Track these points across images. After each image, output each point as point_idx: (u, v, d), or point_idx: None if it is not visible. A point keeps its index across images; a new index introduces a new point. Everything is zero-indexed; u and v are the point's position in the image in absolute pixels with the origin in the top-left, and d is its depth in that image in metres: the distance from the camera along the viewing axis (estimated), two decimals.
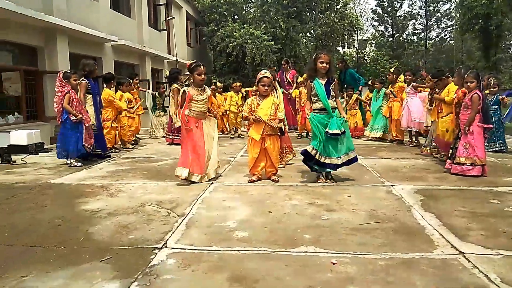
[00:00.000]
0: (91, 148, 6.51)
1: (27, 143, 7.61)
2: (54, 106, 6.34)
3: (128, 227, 3.44)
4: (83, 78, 6.67)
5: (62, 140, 6.32)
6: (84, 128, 6.35)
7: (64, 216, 3.78)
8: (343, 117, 5.01)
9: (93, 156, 6.76)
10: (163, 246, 3.01)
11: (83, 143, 6.30)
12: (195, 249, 2.96)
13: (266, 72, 5.17)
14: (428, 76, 8.06)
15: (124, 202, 4.22)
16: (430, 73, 8.29)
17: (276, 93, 5.53)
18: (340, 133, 4.80)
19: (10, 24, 8.80)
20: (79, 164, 6.29)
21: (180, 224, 3.52)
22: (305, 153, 5.02)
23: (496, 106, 7.70)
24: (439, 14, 39.04)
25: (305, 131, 9.91)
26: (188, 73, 5.32)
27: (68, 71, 6.55)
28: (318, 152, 4.92)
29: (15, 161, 6.67)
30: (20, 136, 7.65)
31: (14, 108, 9.73)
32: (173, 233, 3.29)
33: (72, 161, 6.28)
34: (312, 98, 5.03)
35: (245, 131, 10.18)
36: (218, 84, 11.97)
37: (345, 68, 11.21)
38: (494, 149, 7.49)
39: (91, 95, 6.84)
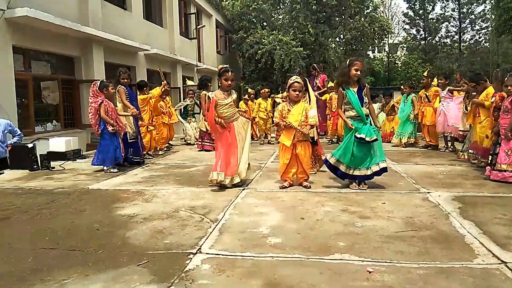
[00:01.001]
0: (122, 159, 6.67)
1: (65, 149, 7.87)
2: (90, 116, 6.49)
3: (163, 232, 3.51)
4: (120, 85, 6.86)
5: (102, 149, 6.47)
6: (120, 137, 6.51)
7: (102, 221, 3.89)
8: (377, 126, 4.93)
9: (128, 163, 6.93)
10: (198, 251, 3.04)
11: (120, 154, 6.45)
12: (229, 255, 2.98)
13: (297, 78, 5.17)
14: (462, 79, 7.83)
15: (159, 207, 4.30)
16: (465, 76, 8.05)
17: (309, 98, 5.51)
18: (368, 140, 4.72)
19: (49, 35, 9.18)
20: (115, 170, 6.46)
21: (213, 229, 3.55)
22: (327, 163, 5.04)
23: None
24: (473, 16, 37.92)
25: (336, 137, 9.81)
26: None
27: (105, 81, 6.74)
28: (345, 165, 4.87)
29: (54, 167, 6.92)
30: (58, 143, 7.93)
31: (53, 116, 10.12)
32: (207, 238, 3.32)
33: (108, 167, 6.45)
34: (345, 106, 4.99)
35: (274, 137, 10.19)
36: (250, 90, 12.05)
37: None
38: None
39: (128, 103, 7.00)
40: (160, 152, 8.72)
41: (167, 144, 9.36)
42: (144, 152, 7.88)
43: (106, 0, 11.42)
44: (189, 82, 12.23)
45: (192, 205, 4.38)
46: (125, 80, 6.99)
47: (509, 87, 5.23)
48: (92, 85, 6.53)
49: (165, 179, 5.93)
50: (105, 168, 6.48)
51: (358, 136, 4.74)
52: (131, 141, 6.90)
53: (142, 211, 4.17)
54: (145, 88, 8.29)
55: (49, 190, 5.29)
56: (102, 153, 6.44)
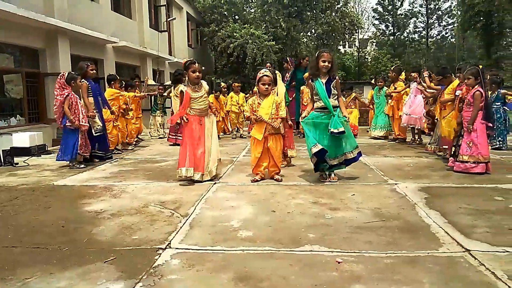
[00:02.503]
0: (87, 154, 6.48)
1: (29, 145, 7.61)
2: (54, 109, 6.29)
3: (131, 227, 3.43)
4: (82, 80, 6.63)
5: (63, 143, 6.32)
6: (79, 134, 6.28)
7: (68, 217, 3.77)
8: (345, 116, 4.98)
9: (95, 158, 6.75)
10: (167, 247, 2.99)
11: (78, 151, 6.25)
12: (199, 249, 2.95)
13: (266, 71, 5.15)
14: (429, 75, 8.03)
15: (127, 203, 4.21)
16: (432, 71, 8.25)
17: (278, 91, 5.50)
18: (335, 131, 4.76)
19: (12, 26, 8.80)
20: (82, 165, 6.29)
21: (183, 224, 3.50)
22: (318, 154, 4.89)
23: (499, 103, 7.65)
24: (440, 12, 39.04)
25: None
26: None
27: (72, 72, 6.52)
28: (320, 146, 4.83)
29: (17, 163, 6.67)
30: (22, 138, 7.66)
31: (16, 111, 9.74)
32: (177, 233, 3.28)
33: (74, 162, 6.27)
34: (314, 97, 5.02)
35: (246, 131, 10.18)
36: (222, 84, 11.99)
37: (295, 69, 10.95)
38: (494, 147, 7.44)
39: (92, 97, 6.78)
40: (130, 147, 8.55)
41: (136, 139, 9.19)
42: (112, 147, 7.70)
43: None
44: (149, 81, 11.90)
45: (162, 200, 4.31)
46: (93, 71, 6.79)
47: (465, 80, 5.42)
48: (59, 77, 6.30)
49: (134, 174, 5.82)
50: (70, 163, 6.29)
51: (336, 131, 4.76)
52: (96, 134, 6.68)
53: (109, 207, 4.08)
54: (112, 82, 8.10)
55: (12, 187, 5.10)
56: (64, 147, 6.27)
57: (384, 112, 9.35)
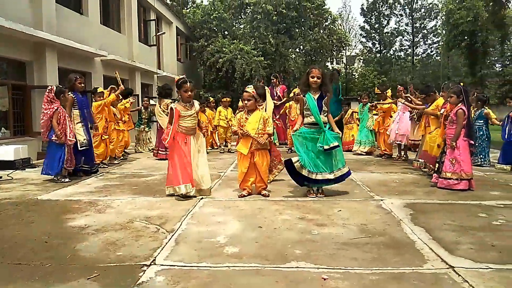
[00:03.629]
0: (71, 168, 6.42)
1: (13, 158, 7.50)
2: (41, 122, 6.21)
3: (116, 243, 3.39)
4: (70, 93, 6.59)
5: (49, 157, 6.24)
6: (66, 148, 6.23)
7: (51, 232, 3.71)
8: (337, 132, 5.03)
9: (80, 172, 6.67)
10: (152, 263, 2.96)
11: (63, 165, 6.18)
12: (184, 266, 2.92)
13: (248, 87, 5.21)
14: (414, 92, 8.19)
15: (112, 218, 4.16)
16: (418, 88, 8.40)
17: (266, 106, 5.54)
18: (326, 148, 4.81)
19: None
20: (67, 179, 6.21)
21: (169, 240, 3.47)
22: (289, 164, 4.96)
23: (481, 121, 7.80)
24: (425, 31, 39.92)
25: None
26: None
27: (61, 86, 6.48)
28: (307, 169, 4.89)
29: (1, 177, 6.56)
30: (6, 152, 7.55)
31: (1, 124, 9.61)
32: (162, 249, 3.24)
33: (59, 177, 6.19)
34: (304, 112, 5.07)
35: (234, 145, 10.18)
36: (211, 99, 12.03)
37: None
38: (476, 164, 7.55)
39: (78, 110, 6.73)
40: (116, 161, 8.47)
41: (123, 153, 9.11)
42: (98, 161, 7.62)
43: (61, 4, 11.03)
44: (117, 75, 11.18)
45: (148, 215, 4.27)
46: (82, 85, 6.76)
47: (448, 98, 5.55)
48: (47, 91, 6.24)
49: (120, 188, 5.76)
50: (55, 177, 6.21)
51: (327, 147, 4.82)
52: (82, 149, 6.61)
53: (94, 222, 4.02)
54: (93, 95, 8.07)
55: None
56: (49, 161, 6.20)
57: (366, 128, 9.48)
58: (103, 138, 7.75)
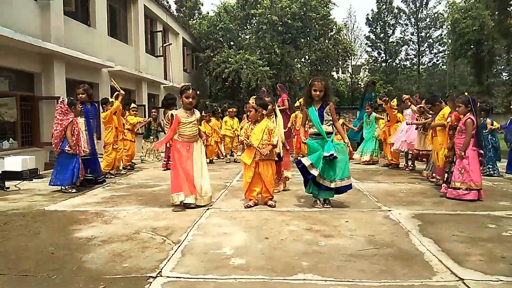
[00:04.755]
0: (82, 178, 6.46)
1: (21, 169, 7.54)
2: (54, 132, 6.22)
3: (122, 255, 3.38)
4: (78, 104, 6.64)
5: (60, 167, 6.24)
6: (79, 160, 6.29)
7: (58, 243, 3.71)
8: (345, 142, 5.02)
9: (87, 182, 6.69)
10: (158, 275, 2.94)
11: (78, 175, 6.23)
12: (190, 278, 2.90)
13: (252, 98, 5.26)
14: (421, 101, 8.16)
15: (119, 229, 4.15)
16: (424, 97, 8.37)
17: (275, 118, 5.55)
18: (326, 155, 4.78)
19: (8, 50, 8.88)
20: (74, 190, 6.23)
21: (175, 251, 3.46)
22: (302, 166, 4.92)
23: (486, 131, 7.75)
24: (431, 40, 39.92)
25: (301, 155, 9.90)
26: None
27: (72, 98, 6.53)
28: (318, 171, 4.83)
29: (8, 188, 6.59)
30: (14, 162, 7.59)
31: (9, 134, 9.71)
32: (168, 261, 3.23)
33: (66, 187, 6.21)
34: (309, 123, 5.09)
35: (240, 155, 10.18)
36: (219, 109, 12.07)
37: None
38: (485, 173, 7.49)
39: (83, 119, 6.77)
40: (123, 171, 8.50)
41: (129, 163, 9.14)
42: (107, 169, 7.66)
43: (69, 16, 11.20)
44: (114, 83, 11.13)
45: (154, 226, 4.26)
46: (81, 96, 6.75)
47: (456, 108, 5.51)
48: (60, 102, 6.30)
49: (126, 199, 5.76)
50: (63, 188, 6.23)
51: (328, 154, 4.80)
52: (83, 158, 6.62)
53: (100, 233, 4.02)
54: (104, 105, 8.12)
55: (2, 212, 5.02)
56: (61, 172, 6.21)
57: (374, 137, 9.44)
58: (114, 147, 7.79)
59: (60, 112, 6.24)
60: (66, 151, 6.16)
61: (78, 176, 6.28)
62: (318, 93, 4.95)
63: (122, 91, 8.06)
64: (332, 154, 4.81)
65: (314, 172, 4.85)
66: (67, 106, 6.24)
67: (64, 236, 3.96)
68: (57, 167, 6.29)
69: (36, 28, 9.80)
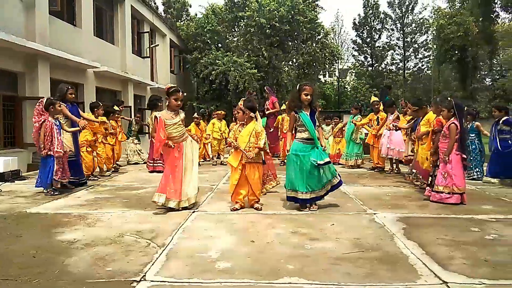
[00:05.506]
0: (65, 180, 6.33)
1: (3, 170, 7.38)
2: (33, 136, 6.17)
3: (105, 258, 3.33)
4: (60, 102, 6.53)
5: (40, 169, 6.17)
6: (55, 161, 6.12)
7: (40, 247, 3.64)
8: (323, 146, 5.06)
9: (71, 184, 6.57)
10: (142, 279, 2.91)
11: (53, 177, 6.09)
12: (175, 282, 2.87)
13: (241, 100, 5.29)
14: (407, 104, 8.23)
15: (102, 232, 4.09)
16: (409, 101, 8.45)
17: (257, 120, 5.53)
18: (321, 163, 4.85)
19: None
20: (57, 192, 6.12)
21: (160, 255, 3.42)
22: (290, 199, 5.08)
23: (473, 135, 7.85)
24: (416, 45, 40.45)
25: None
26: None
27: (52, 98, 6.43)
28: (301, 192, 4.94)
29: None
30: None
31: None
32: (152, 264, 3.19)
33: (48, 189, 6.10)
34: (298, 128, 5.07)
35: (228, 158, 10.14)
36: (222, 112, 11.79)
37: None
38: (472, 177, 7.60)
39: (69, 120, 6.67)
40: (107, 173, 8.38)
41: (114, 165, 9.02)
42: (88, 173, 7.53)
43: (55, 16, 11.05)
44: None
45: (138, 229, 4.21)
46: (73, 96, 6.73)
47: (440, 112, 5.59)
48: (37, 104, 6.19)
49: (110, 201, 5.69)
50: (45, 190, 6.12)
51: (322, 162, 4.86)
52: (69, 159, 6.50)
53: (83, 236, 3.96)
54: (96, 109, 8.00)
55: None
56: (40, 175, 6.13)
57: (352, 140, 9.51)
58: (87, 150, 7.65)
59: (35, 114, 6.15)
60: (39, 152, 6.07)
61: (52, 178, 6.11)
62: (309, 97, 4.97)
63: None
64: (329, 162, 4.90)
65: (300, 195, 4.97)
66: (42, 107, 6.11)
67: (46, 239, 3.89)
68: (39, 170, 6.21)
69: (21, 27, 9.65)
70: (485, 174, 7.66)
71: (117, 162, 9.28)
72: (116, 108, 9.44)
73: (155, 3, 29.33)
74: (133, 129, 10.91)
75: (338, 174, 5.13)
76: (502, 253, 3.48)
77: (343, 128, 10.50)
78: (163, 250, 3.55)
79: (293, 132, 5.13)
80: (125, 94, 15.52)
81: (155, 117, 5.01)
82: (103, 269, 3.10)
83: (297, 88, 5.12)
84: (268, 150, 5.81)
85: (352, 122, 9.49)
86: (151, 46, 18.38)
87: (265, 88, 11.32)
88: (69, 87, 6.79)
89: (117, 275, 2.97)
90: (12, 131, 9.89)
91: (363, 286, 2.79)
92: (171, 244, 3.72)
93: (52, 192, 6.08)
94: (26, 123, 9.87)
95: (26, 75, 9.99)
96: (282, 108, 10.42)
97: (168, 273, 3.02)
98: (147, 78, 17.71)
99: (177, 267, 3.14)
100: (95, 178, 7.72)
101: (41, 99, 6.32)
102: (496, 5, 26.89)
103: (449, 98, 5.81)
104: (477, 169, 7.77)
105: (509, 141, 7.18)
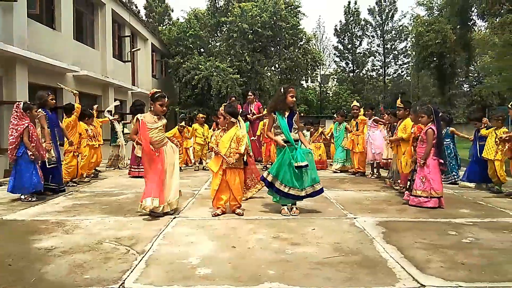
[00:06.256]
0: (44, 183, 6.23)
1: None
2: (10, 139, 5.95)
3: (83, 266, 3.27)
4: (40, 110, 6.42)
5: (17, 175, 5.95)
6: (38, 164, 6.06)
7: (16, 254, 3.55)
8: (309, 148, 5.09)
9: (47, 191, 6.44)
10: (120, 286, 2.86)
11: (40, 181, 5.98)
12: None
13: (223, 105, 5.28)
14: (384, 112, 8.41)
15: (80, 239, 4.02)
16: (388, 108, 8.59)
17: (240, 126, 5.52)
18: (302, 165, 4.87)
19: None
20: (34, 198, 5.99)
21: (139, 262, 3.38)
22: (263, 179, 5.16)
23: (448, 140, 8.02)
24: (396, 52, 41.23)
25: (270, 163, 9.93)
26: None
27: (29, 102, 6.31)
28: (279, 181, 4.93)
29: None
30: None
31: None
32: (131, 271, 3.15)
33: (26, 195, 5.97)
34: (275, 130, 5.10)
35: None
36: (201, 115, 11.64)
37: None
38: (450, 181, 7.76)
39: (49, 128, 6.54)
40: (86, 179, 8.24)
41: (93, 170, 8.88)
42: (68, 179, 7.40)
43: (33, 19, 10.86)
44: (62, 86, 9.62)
45: (118, 236, 4.15)
46: (53, 101, 6.64)
47: (419, 118, 5.70)
48: (15, 106, 6.05)
49: (89, 208, 5.59)
50: (22, 196, 5.98)
51: (298, 165, 4.87)
52: (50, 166, 6.43)
53: (61, 243, 3.88)
54: (72, 112, 7.84)
55: None
56: (18, 180, 5.93)
57: (341, 146, 9.62)
58: (75, 154, 7.55)
59: (15, 116, 5.99)
60: (30, 157, 5.91)
61: (41, 183, 6.02)
62: (294, 99, 5.03)
63: (75, 91, 7.90)
64: (307, 165, 4.90)
65: (277, 184, 4.96)
66: (21, 110, 5.99)
67: (22, 247, 3.80)
68: (14, 175, 5.99)
69: None
70: (461, 178, 7.83)
71: (96, 168, 9.13)
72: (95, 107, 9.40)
73: (136, 7, 29.16)
74: (117, 131, 10.72)
75: (319, 182, 5.16)
76: (478, 256, 3.55)
77: (324, 134, 10.61)
78: (143, 256, 3.50)
79: (272, 132, 5.17)
80: (105, 99, 15.32)
81: (137, 119, 4.95)
82: (81, 276, 3.05)
83: (282, 90, 5.12)
84: (251, 154, 5.82)
85: (349, 130, 9.43)
86: (132, 50, 18.24)
87: (253, 92, 11.35)
88: (49, 93, 6.70)
89: (95, 283, 2.92)
90: None
91: None
92: (151, 250, 3.68)
93: (30, 199, 5.95)
94: (3, 128, 9.65)
95: (3, 79, 9.78)
96: (265, 112, 10.44)
97: (148, 280, 2.98)
98: (128, 82, 17.54)
99: (156, 274, 3.11)
100: (74, 184, 7.58)
101: (17, 103, 6.17)
102: (473, 14, 27.69)
103: (428, 104, 5.92)
104: (453, 173, 7.94)
105: None
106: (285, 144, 4.96)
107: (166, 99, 5.04)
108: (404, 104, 6.94)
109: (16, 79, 9.86)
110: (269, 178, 5.01)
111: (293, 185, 4.94)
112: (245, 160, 5.35)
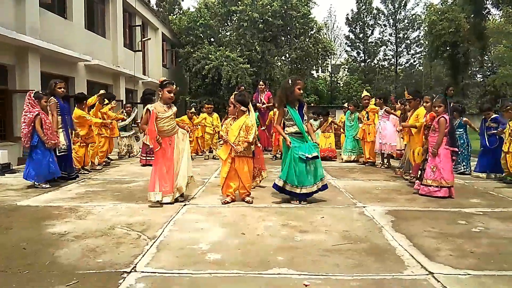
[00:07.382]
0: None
1: None
2: (22, 127, 6.05)
3: (96, 250, 3.34)
4: (51, 97, 6.50)
5: (35, 163, 6.03)
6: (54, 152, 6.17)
7: (30, 239, 3.64)
8: (315, 142, 5.09)
9: (60, 178, 6.54)
10: (132, 270, 2.93)
11: (56, 168, 6.10)
12: (165, 273, 2.89)
13: (232, 95, 5.28)
14: (395, 103, 8.34)
15: (93, 225, 4.10)
16: (400, 98, 8.51)
17: (249, 114, 5.53)
18: (309, 157, 4.88)
19: None
20: (47, 185, 6.10)
21: (150, 247, 3.44)
22: (276, 187, 5.11)
23: (461, 130, 7.96)
24: (408, 41, 40.60)
25: (279, 153, 9.94)
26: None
27: (40, 92, 6.39)
28: (290, 184, 4.96)
29: None
30: None
31: None
32: (143, 256, 3.21)
33: (40, 182, 6.08)
34: (287, 122, 5.11)
35: None
36: (207, 105, 11.68)
37: None
38: (459, 171, 7.71)
39: (60, 116, 6.63)
40: (98, 167, 8.35)
41: (105, 159, 8.99)
42: (79, 166, 7.51)
43: (45, 9, 10.94)
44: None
45: (129, 222, 4.22)
46: (62, 90, 6.68)
47: (436, 108, 5.63)
48: (28, 95, 6.14)
49: (101, 195, 5.68)
50: (36, 183, 6.09)
51: (311, 156, 4.88)
52: (60, 154, 6.51)
53: (74, 228, 3.96)
54: (84, 101, 7.91)
55: None
56: (34, 168, 6.03)
57: (353, 136, 9.57)
58: (81, 144, 7.63)
59: (27, 104, 6.08)
60: (45, 144, 6.01)
61: (58, 170, 6.14)
62: (301, 91, 5.03)
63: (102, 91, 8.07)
64: (317, 156, 4.92)
65: (287, 187, 4.99)
66: (33, 98, 6.08)
67: (36, 232, 3.89)
68: (29, 162, 6.10)
69: (11, 19, 9.54)
70: (473, 169, 7.77)
71: (108, 156, 9.24)
72: (114, 102, 9.45)
73: None
74: (127, 123, 10.76)
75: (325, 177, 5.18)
76: (487, 245, 3.55)
77: (334, 123, 10.55)
78: (154, 242, 3.57)
79: (281, 126, 5.17)
80: (116, 88, 15.45)
81: (148, 109, 4.98)
82: (93, 260, 3.12)
83: (290, 82, 5.10)
84: (259, 144, 5.82)
85: (363, 120, 9.35)
86: (143, 39, 18.28)
87: (262, 81, 11.33)
88: (58, 82, 6.71)
89: (107, 266, 2.99)
90: (2, 125, 9.82)
91: (351, 277, 2.83)
92: (161, 236, 3.74)
93: (43, 185, 6.06)
94: (16, 117, 9.80)
95: (16, 68, 9.90)
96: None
97: (159, 265, 3.04)
98: (138, 72, 17.62)
99: (167, 259, 3.17)
100: (86, 172, 7.69)
101: (30, 92, 6.26)
102: (487, 2, 27.14)
103: (443, 95, 5.87)
104: (464, 163, 7.88)
105: (496, 137, 7.29)
106: (290, 144, 4.96)
107: (174, 86, 5.06)
108: (413, 94, 6.88)
109: (29, 68, 9.97)
110: (280, 184, 5.03)
111: (304, 184, 4.96)
112: (253, 149, 5.38)
